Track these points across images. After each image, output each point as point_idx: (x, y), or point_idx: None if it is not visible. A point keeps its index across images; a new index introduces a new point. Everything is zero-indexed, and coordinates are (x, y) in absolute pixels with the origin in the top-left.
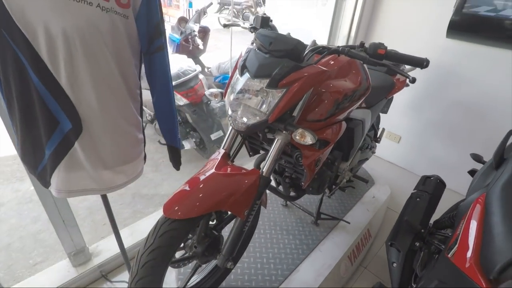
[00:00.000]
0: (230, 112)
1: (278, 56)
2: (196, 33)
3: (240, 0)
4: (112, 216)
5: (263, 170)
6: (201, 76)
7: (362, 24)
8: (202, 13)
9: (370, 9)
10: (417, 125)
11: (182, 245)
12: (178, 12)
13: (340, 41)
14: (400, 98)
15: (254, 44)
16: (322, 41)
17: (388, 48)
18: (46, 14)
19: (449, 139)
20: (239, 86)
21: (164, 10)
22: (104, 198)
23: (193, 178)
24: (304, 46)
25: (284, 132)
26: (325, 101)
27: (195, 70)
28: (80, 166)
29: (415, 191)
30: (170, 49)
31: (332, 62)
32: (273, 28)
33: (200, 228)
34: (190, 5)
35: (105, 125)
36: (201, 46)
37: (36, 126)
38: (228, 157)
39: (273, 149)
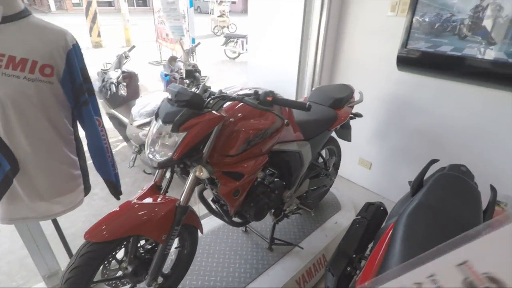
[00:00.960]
0: (147, 151)
1: (181, 105)
2: (114, 80)
3: (244, 33)
4: (63, 238)
5: (180, 199)
6: None
7: (326, 63)
8: (122, 58)
9: (331, 49)
10: (386, 151)
11: (110, 265)
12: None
13: (308, 79)
14: (368, 126)
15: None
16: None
17: (278, 95)
18: None
19: (415, 163)
20: (154, 130)
21: (171, 45)
22: (55, 222)
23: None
24: (199, 97)
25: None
26: (236, 139)
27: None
28: (19, 198)
29: (357, 217)
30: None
31: (238, 106)
32: (197, 79)
33: (130, 250)
34: (193, 41)
35: (39, 165)
36: (123, 93)
37: None
38: (157, 189)
39: (188, 182)
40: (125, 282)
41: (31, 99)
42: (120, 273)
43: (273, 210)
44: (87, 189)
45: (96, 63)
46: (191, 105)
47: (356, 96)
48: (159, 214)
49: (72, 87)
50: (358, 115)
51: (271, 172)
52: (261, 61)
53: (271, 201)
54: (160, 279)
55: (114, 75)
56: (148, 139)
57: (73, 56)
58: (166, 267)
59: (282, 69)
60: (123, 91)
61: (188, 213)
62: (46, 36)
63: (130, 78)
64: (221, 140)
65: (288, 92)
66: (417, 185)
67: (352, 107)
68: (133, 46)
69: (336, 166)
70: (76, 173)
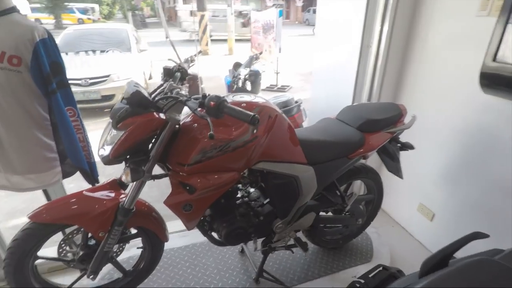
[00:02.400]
0: (99, 146)
1: (126, 103)
2: (242, 76)
3: None
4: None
5: (124, 200)
6: (302, 107)
7: (388, 76)
8: (253, 58)
9: (397, 59)
10: (455, 202)
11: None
12: (270, 56)
13: (365, 93)
14: (435, 164)
15: None
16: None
17: (227, 102)
18: None
19: (494, 227)
20: (107, 126)
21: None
22: (44, 191)
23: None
24: (140, 95)
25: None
26: (190, 148)
27: (297, 102)
28: None
29: (358, 279)
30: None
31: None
32: (181, 79)
33: (82, 237)
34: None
35: (11, 144)
36: (248, 88)
37: None
38: (118, 184)
39: (133, 184)
40: (71, 266)
41: (2, 85)
42: (70, 256)
43: (262, 238)
44: (67, 173)
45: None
46: (132, 103)
47: (407, 119)
48: (98, 210)
49: (41, 76)
50: (407, 146)
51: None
52: (324, 71)
53: (251, 227)
54: (119, 275)
55: (243, 72)
56: (101, 135)
57: (40, 48)
58: (129, 265)
59: (341, 79)
60: (248, 87)
61: (148, 217)
62: (15, 30)
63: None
64: (180, 145)
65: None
66: (436, 262)
67: (393, 133)
68: (261, 52)
69: (375, 206)
70: (50, 155)
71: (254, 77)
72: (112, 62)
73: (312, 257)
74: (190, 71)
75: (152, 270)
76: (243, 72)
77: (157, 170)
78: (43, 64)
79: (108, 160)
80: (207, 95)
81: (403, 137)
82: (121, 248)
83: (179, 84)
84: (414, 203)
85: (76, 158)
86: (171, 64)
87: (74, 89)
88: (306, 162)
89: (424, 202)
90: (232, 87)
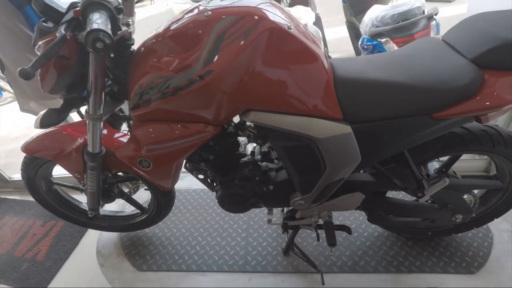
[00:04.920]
0: None
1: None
2: None
3: None
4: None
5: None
6: (435, 21)
7: None
8: None
9: None
10: None
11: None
12: None
13: None
14: None
15: None
16: None
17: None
18: None
19: None
20: None
21: None
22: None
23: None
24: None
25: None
26: (130, 84)
27: (426, 14)
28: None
29: None
30: None
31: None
32: None
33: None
34: None
35: (15, 71)
36: None
37: None
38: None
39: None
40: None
41: None
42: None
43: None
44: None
45: None
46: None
47: None
48: (67, 150)
49: None
50: None
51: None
52: None
53: (256, 196)
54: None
55: None
56: None
57: None
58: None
59: None
60: None
61: None
62: None
63: None
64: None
65: None
66: None
67: None
68: None
69: (506, 198)
70: None
71: None
72: None
73: (376, 243)
74: None
75: (167, 211)
76: None
77: None
78: None
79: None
80: None
81: None
82: (135, 186)
83: None
84: None
85: None
86: None
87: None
88: (339, 117)
89: None
90: None
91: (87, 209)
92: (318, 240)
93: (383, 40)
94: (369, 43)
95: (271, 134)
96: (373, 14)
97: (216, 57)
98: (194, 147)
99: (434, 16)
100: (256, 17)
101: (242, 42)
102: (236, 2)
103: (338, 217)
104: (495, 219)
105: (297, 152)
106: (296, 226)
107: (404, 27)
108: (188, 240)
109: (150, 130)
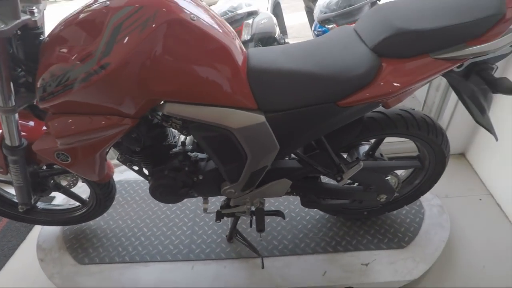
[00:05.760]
0: None
1: None
2: None
3: None
4: None
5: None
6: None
7: None
8: None
9: None
10: None
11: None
12: None
13: None
14: None
15: None
16: None
17: None
18: None
19: None
20: None
21: None
22: None
23: None
24: None
25: None
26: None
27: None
28: None
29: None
30: None
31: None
32: None
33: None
34: None
35: None
36: None
37: None
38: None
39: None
40: None
41: None
42: None
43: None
44: None
45: None
46: None
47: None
48: None
49: None
50: (501, 86)
51: None
52: None
53: (186, 186)
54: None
55: None
56: None
57: None
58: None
59: None
60: None
61: None
62: None
63: None
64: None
65: None
66: None
67: (459, 60)
68: None
69: (427, 178)
70: None
71: None
72: None
73: (317, 225)
74: None
75: (108, 203)
76: None
77: None
78: None
79: None
80: None
81: None
82: (74, 179)
83: None
84: None
85: None
86: None
87: None
88: (254, 107)
89: None
90: None
91: None
92: (251, 226)
93: (330, 26)
94: (320, 29)
95: (191, 125)
96: (323, 0)
97: (113, 49)
98: (112, 139)
99: (378, 1)
100: (154, 8)
101: (139, 34)
102: None
103: (283, 202)
104: (427, 195)
105: (217, 142)
106: (233, 213)
107: (349, 13)
108: (133, 231)
109: (61, 123)
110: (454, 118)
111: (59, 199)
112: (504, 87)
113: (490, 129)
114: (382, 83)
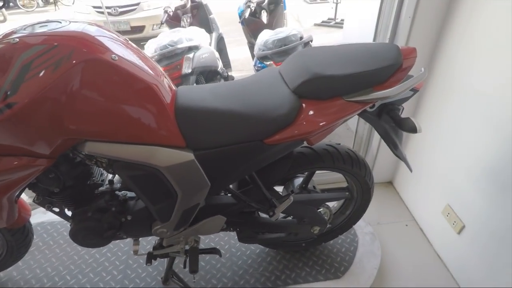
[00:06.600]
0: None
1: None
2: (252, 5)
3: None
4: None
5: None
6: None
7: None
8: None
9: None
10: (496, 215)
11: None
12: None
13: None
14: (475, 154)
15: None
16: None
17: None
18: None
19: None
20: None
21: None
22: None
23: None
24: None
25: None
26: None
27: (302, 39)
28: None
29: None
30: None
31: None
32: None
33: None
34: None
35: None
36: (264, 20)
37: None
38: None
39: None
40: None
41: None
42: None
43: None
44: None
45: None
46: None
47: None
48: None
49: None
50: (406, 125)
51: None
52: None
53: (113, 228)
54: None
55: None
56: None
57: None
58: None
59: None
60: (264, 18)
61: None
62: None
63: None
64: None
65: None
66: None
67: (367, 103)
68: None
69: (357, 208)
70: None
71: (275, 5)
72: None
73: (257, 260)
74: None
75: (22, 250)
76: None
77: None
78: None
79: None
80: None
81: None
82: None
83: None
84: (439, 202)
85: None
86: None
87: (101, 18)
88: (182, 145)
89: (453, 205)
90: (242, 17)
91: None
92: (184, 267)
93: (267, 63)
94: (259, 65)
95: (116, 164)
96: (262, 38)
97: (20, 88)
98: (23, 181)
99: (310, 43)
100: (71, 48)
101: (51, 73)
102: (57, 29)
103: (224, 237)
104: (360, 223)
105: (145, 181)
106: (166, 254)
107: (284, 52)
108: (54, 281)
109: None
110: (381, 149)
111: None
112: (408, 126)
113: (404, 161)
114: (304, 122)
